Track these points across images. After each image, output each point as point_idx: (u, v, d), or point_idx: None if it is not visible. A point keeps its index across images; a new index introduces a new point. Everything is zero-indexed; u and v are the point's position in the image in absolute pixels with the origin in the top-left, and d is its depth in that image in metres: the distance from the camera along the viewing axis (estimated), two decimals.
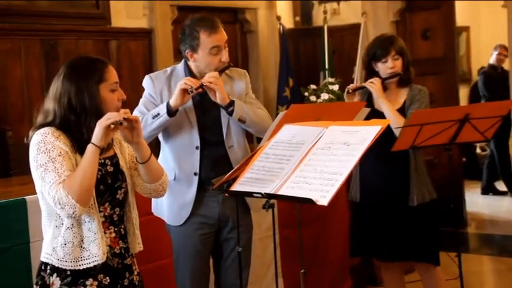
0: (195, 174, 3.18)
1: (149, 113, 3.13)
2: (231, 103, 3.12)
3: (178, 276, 3.29)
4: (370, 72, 3.79)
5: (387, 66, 3.70)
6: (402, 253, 3.76)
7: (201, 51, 3.13)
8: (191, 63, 3.21)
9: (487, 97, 8.17)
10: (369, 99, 3.76)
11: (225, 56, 3.15)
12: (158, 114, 3.10)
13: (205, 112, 3.21)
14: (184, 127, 3.18)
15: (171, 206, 3.23)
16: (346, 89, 3.75)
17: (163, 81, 3.22)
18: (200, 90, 3.08)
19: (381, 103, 3.64)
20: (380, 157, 3.61)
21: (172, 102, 3.07)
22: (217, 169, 3.13)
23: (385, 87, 3.72)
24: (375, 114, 3.60)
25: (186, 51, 3.18)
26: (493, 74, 8.37)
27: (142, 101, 3.24)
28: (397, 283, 3.99)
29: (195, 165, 3.17)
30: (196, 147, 3.17)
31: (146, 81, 3.26)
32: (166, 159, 3.25)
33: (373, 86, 3.66)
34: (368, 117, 3.52)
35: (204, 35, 3.10)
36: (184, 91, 3.05)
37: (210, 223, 3.23)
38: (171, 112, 3.07)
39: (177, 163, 3.20)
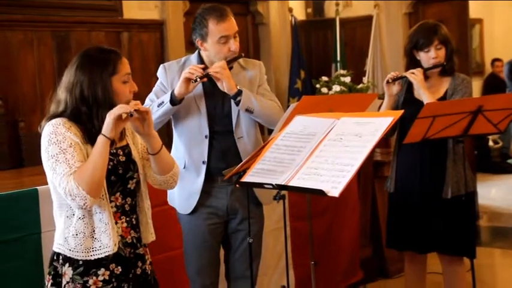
0: (204, 162, 3.18)
1: (155, 101, 3.14)
2: (239, 93, 3.12)
3: (188, 266, 3.30)
4: (412, 61, 3.68)
5: (430, 57, 3.59)
6: (437, 245, 3.69)
7: (210, 40, 3.12)
8: (203, 53, 3.21)
9: (510, 88, 8.03)
10: (408, 88, 3.68)
11: (234, 45, 3.14)
12: (163, 102, 3.10)
13: (216, 101, 3.21)
14: (194, 116, 3.19)
15: (181, 194, 3.24)
16: (386, 79, 3.63)
17: (176, 70, 3.23)
18: (205, 79, 3.07)
19: (422, 94, 3.54)
20: (417, 148, 3.55)
21: (176, 91, 3.07)
22: (227, 159, 3.15)
23: (426, 76, 3.61)
24: (415, 103, 3.54)
25: (197, 39, 3.18)
26: None
27: (153, 90, 3.26)
28: (419, 275, 3.92)
29: (204, 154, 3.18)
30: (206, 136, 3.17)
31: (159, 70, 3.27)
32: (177, 148, 3.26)
33: (415, 77, 3.55)
34: (408, 106, 3.47)
35: (213, 24, 3.10)
36: (188, 80, 3.05)
37: (218, 214, 3.24)
38: (174, 101, 3.08)
39: (186, 151, 3.21)
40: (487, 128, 3.48)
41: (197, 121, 3.18)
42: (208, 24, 3.10)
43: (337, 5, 8.64)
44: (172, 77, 3.21)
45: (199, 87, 3.15)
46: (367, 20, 8.55)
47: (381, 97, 3.64)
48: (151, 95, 3.22)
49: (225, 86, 3.08)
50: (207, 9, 3.15)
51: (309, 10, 9.40)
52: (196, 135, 3.19)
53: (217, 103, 3.20)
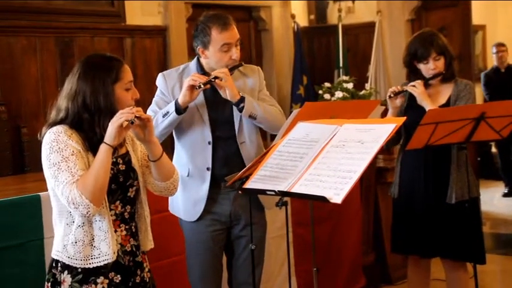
0: (208, 169, 3.18)
1: (160, 112, 3.14)
2: (242, 99, 3.12)
3: (190, 272, 3.29)
4: (412, 71, 3.70)
5: (429, 68, 3.61)
6: (442, 250, 3.68)
7: (211, 48, 3.13)
8: (203, 60, 3.22)
9: (487, 100, 8.07)
10: (411, 94, 3.66)
11: (235, 54, 3.15)
12: (168, 112, 3.10)
13: (218, 108, 3.21)
14: (196, 123, 3.19)
15: (186, 202, 3.23)
16: (388, 94, 3.65)
17: (175, 78, 3.24)
18: (208, 86, 3.08)
19: (425, 106, 3.55)
20: (421, 153, 3.56)
21: (180, 100, 3.07)
22: (230, 165, 3.15)
23: (428, 85, 3.63)
24: (418, 109, 3.54)
25: (198, 47, 3.19)
26: (492, 77, 8.20)
27: (154, 100, 3.26)
28: (423, 281, 3.90)
29: (208, 160, 3.18)
30: (209, 143, 3.18)
31: (159, 79, 3.28)
32: (179, 155, 3.26)
33: (416, 89, 3.57)
34: (411, 112, 3.49)
35: (216, 32, 3.11)
36: (192, 87, 3.05)
37: (221, 220, 3.23)
38: (179, 110, 3.08)
39: (190, 159, 3.21)
40: (490, 135, 3.48)
41: (200, 129, 3.19)
42: (211, 32, 3.11)
43: (339, 11, 8.66)
44: (172, 84, 3.21)
45: (200, 96, 3.15)
46: (370, 26, 8.56)
47: (384, 103, 3.64)
48: (152, 106, 3.22)
49: (228, 93, 3.09)
50: (210, 17, 3.15)
51: (312, 16, 9.41)
52: (199, 142, 3.19)
53: (219, 110, 3.21)
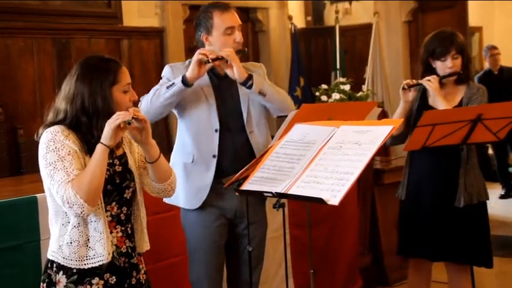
0: (214, 156, 3.16)
1: (164, 85, 3.13)
2: (250, 77, 3.13)
3: (193, 269, 3.24)
4: (427, 69, 3.66)
5: (446, 66, 3.58)
6: (450, 254, 3.65)
7: (215, 32, 3.17)
8: None
9: None
10: (422, 95, 3.67)
11: (239, 37, 3.20)
12: (173, 84, 3.09)
13: (225, 99, 3.21)
14: (202, 107, 3.17)
15: (189, 190, 3.19)
16: (402, 85, 3.61)
17: (182, 69, 3.22)
18: (216, 63, 3.09)
19: (438, 102, 3.54)
20: (430, 155, 3.55)
21: (188, 74, 3.06)
22: (239, 157, 3.13)
23: (441, 84, 3.60)
24: (429, 110, 3.51)
25: (201, 35, 3.20)
26: (485, 80, 8.18)
27: (159, 83, 3.22)
28: (424, 283, 3.87)
29: (214, 147, 3.16)
30: (216, 130, 3.16)
31: (166, 69, 3.27)
32: (184, 143, 3.23)
33: (431, 84, 3.54)
34: (421, 113, 3.49)
35: (217, 15, 3.17)
36: (200, 62, 3.05)
37: (227, 216, 3.22)
38: (186, 83, 3.06)
39: (195, 145, 3.18)
40: (487, 137, 3.48)
41: (206, 113, 3.17)
42: (214, 16, 3.16)
43: (336, 12, 8.67)
44: (179, 75, 3.19)
45: (206, 79, 3.15)
46: (367, 28, 8.58)
47: (380, 105, 3.64)
48: (156, 86, 3.19)
49: (236, 71, 3.09)
50: (210, 4, 3.22)
51: (309, 18, 9.43)
52: (205, 128, 3.17)
53: (226, 98, 3.21)
